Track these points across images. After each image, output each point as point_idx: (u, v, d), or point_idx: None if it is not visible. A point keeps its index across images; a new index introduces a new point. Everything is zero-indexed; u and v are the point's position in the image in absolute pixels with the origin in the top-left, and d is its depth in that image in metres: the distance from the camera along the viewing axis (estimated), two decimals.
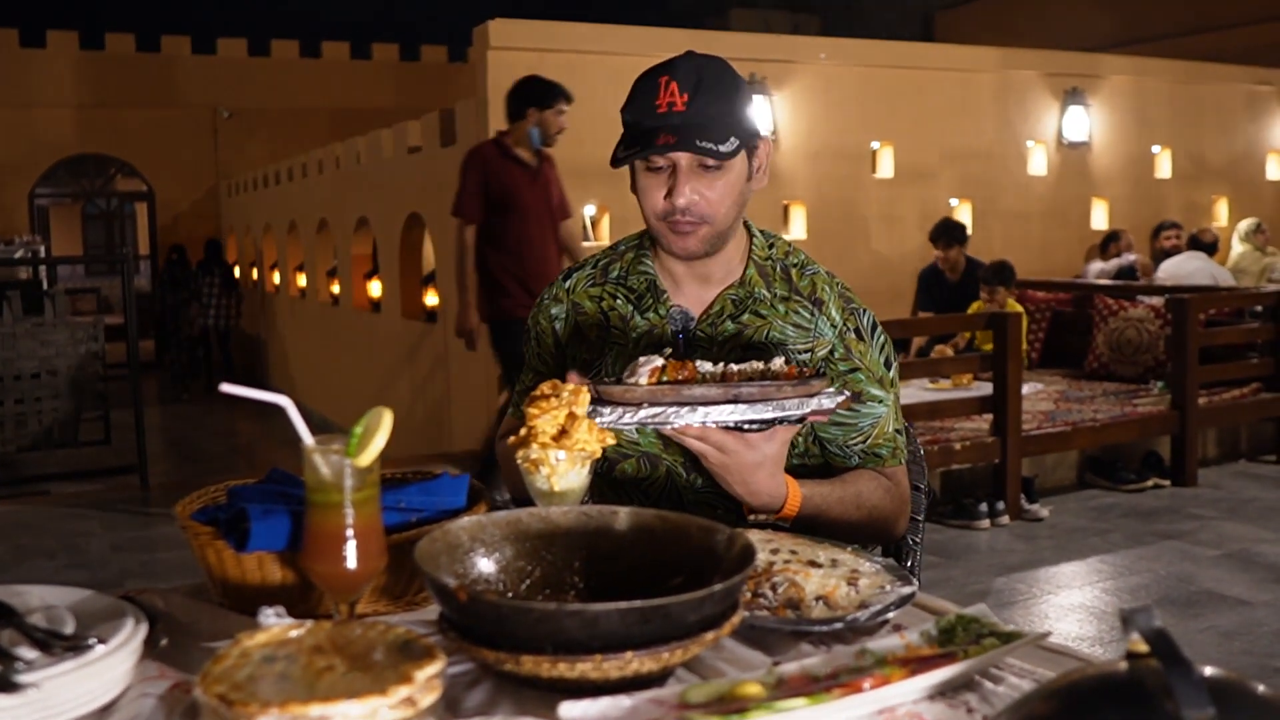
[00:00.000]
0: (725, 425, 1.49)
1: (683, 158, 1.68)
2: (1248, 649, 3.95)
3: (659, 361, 1.52)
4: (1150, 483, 6.11)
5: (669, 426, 1.47)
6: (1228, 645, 3.99)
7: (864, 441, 1.80)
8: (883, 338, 1.85)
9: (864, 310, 1.85)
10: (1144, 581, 4.67)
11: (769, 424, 1.52)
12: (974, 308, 6.95)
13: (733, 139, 1.67)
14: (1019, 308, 6.94)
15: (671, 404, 1.46)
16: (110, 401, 7.66)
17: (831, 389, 1.52)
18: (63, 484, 7.12)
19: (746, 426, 1.52)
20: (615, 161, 1.72)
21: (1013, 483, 5.59)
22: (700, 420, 1.46)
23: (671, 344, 1.80)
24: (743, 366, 1.54)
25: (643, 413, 1.45)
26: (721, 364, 1.55)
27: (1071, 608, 4.43)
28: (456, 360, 7.84)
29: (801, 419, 1.52)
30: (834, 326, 1.80)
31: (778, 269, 1.84)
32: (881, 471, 1.82)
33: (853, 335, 1.81)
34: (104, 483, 7.07)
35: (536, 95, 5.30)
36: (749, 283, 1.81)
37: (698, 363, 1.54)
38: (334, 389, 10.84)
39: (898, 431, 1.84)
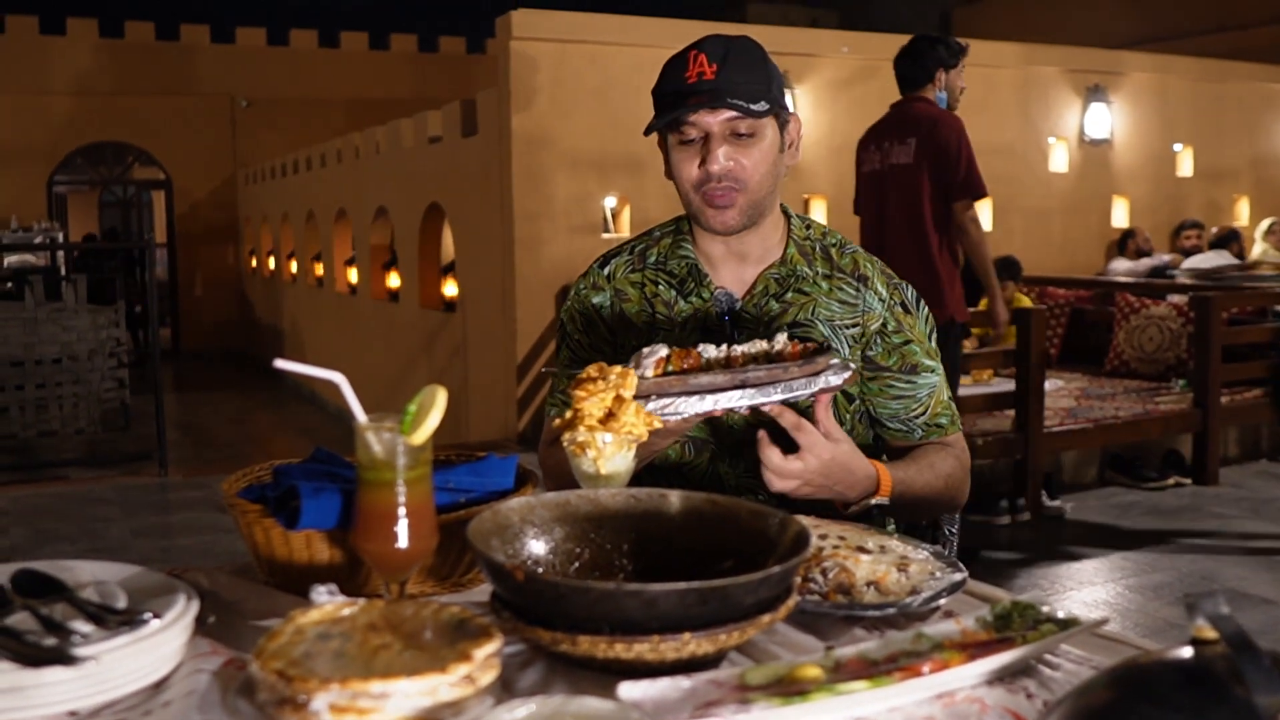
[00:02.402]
0: (736, 410, 1.48)
1: (714, 124, 1.69)
2: (1273, 647, 3.92)
3: (664, 351, 1.51)
4: (1171, 481, 6.09)
5: (678, 416, 1.46)
6: None
7: (924, 413, 1.83)
8: (925, 310, 1.88)
9: (905, 285, 1.88)
10: (1166, 579, 4.65)
11: (784, 405, 1.51)
12: (983, 304, 6.91)
13: (763, 102, 1.68)
14: (1028, 301, 6.91)
15: (680, 394, 1.45)
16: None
17: (836, 362, 1.53)
18: (82, 469, 7.14)
19: (752, 407, 1.51)
20: (649, 129, 1.74)
21: (1034, 479, 5.57)
22: (710, 408, 1.46)
23: (717, 326, 1.80)
24: (745, 348, 1.54)
25: (652, 405, 1.44)
26: (725, 345, 1.55)
27: (1093, 604, 4.41)
28: (475, 350, 7.85)
29: (810, 398, 1.52)
30: (882, 300, 1.82)
31: (817, 249, 1.86)
32: (943, 441, 1.84)
33: (900, 309, 1.83)
34: (123, 468, 7.09)
35: (945, 55, 4.73)
36: (790, 261, 1.82)
37: (701, 347, 1.54)
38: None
39: (950, 399, 1.87)
